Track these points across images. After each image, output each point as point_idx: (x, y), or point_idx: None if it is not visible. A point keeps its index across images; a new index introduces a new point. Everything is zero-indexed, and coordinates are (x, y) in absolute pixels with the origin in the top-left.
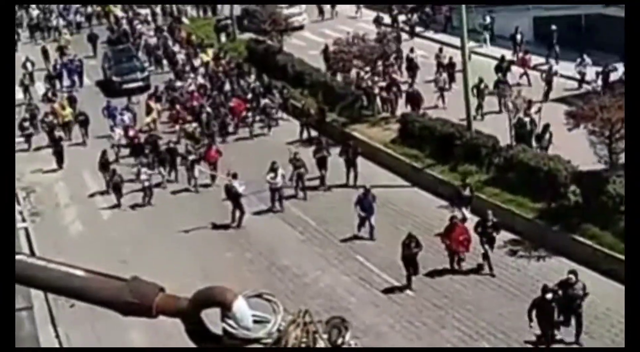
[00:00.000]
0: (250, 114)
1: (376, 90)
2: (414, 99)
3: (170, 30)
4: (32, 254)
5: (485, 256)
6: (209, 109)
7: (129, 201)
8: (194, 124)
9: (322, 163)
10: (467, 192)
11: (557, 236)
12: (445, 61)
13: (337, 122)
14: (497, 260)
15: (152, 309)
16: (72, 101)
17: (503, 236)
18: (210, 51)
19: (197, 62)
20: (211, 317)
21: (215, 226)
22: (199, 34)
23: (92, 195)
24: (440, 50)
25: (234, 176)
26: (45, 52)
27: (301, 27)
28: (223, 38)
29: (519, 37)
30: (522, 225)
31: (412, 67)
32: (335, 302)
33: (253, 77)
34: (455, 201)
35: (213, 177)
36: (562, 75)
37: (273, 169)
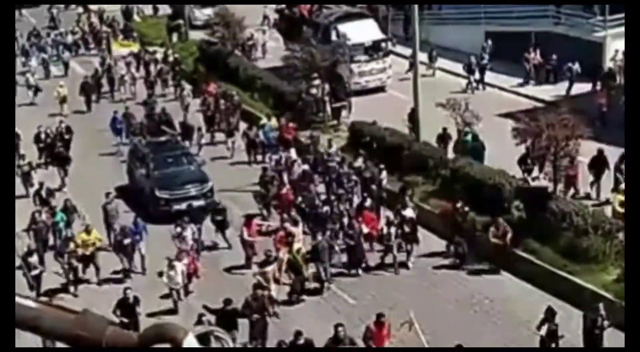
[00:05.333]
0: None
1: (326, 98)
2: None
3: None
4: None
5: None
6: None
7: None
8: (301, 252)
9: None
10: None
11: None
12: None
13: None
14: (438, 272)
15: (102, 343)
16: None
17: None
18: (274, 118)
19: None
20: None
21: None
22: (150, 33)
23: None
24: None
25: None
26: None
27: (382, 89)
28: (175, 38)
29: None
30: None
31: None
32: None
33: (361, 161)
34: None
35: None
36: (509, 91)
37: None
